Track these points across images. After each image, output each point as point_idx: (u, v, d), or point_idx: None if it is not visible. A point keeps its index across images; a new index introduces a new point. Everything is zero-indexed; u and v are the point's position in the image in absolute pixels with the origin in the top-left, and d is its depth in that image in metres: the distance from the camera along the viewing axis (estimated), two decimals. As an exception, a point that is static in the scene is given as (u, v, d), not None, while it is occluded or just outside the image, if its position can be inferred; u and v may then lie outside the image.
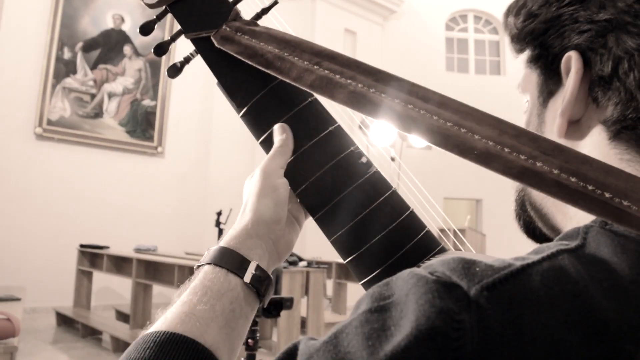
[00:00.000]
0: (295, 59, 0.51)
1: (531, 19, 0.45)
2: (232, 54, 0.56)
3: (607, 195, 0.33)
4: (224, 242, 0.52)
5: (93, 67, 7.22)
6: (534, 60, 0.46)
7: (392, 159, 5.97)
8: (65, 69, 6.96)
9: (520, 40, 0.47)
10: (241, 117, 0.59)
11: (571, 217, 0.42)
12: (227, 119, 6.83)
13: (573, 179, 0.34)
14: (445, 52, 9.84)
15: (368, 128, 6.12)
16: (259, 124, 0.58)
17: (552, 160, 0.35)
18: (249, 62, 0.55)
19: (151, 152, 7.61)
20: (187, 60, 0.62)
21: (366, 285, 0.51)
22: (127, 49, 7.49)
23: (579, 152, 0.36)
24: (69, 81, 6.98)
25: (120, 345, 4.55)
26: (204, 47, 0.59)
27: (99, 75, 7.26)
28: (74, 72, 7.04)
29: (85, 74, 7.15)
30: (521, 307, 0.29)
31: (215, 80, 0.59)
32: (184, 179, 7.56)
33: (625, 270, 0.31)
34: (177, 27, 0.62)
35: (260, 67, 0.54)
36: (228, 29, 0.57)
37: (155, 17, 0.61)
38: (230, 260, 0.50)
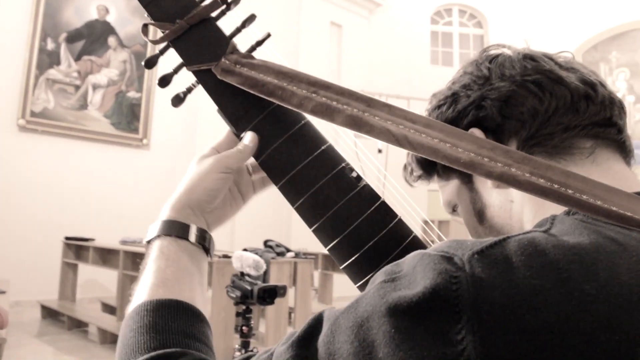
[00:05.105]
0: (295, 88, 0.57)
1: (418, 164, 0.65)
2: (234, 84, 0.60)
3: (570, 191, 0.43)
4: (164, 215, 0.62)
5: (77, 58, 7.13)
6: (445, 175, 0.63)
7: (380, 151, 6.03)
8: (48, 60, 6.86)
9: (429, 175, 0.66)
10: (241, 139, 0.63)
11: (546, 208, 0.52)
12: (213, 111, 6.76)
13: (542, 180, 0.44)
14: (430, 45, 9.91)
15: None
16: (258, 146, 0.62)
17: (523, 166, 0.45)
18: (251, 92, 0.59)
19: (136, 144, 7.57)
20: (189, 90, 0.66)
21: (361, 288, 0.56)
22: (111, 41, 7.41)
23: (543, 160, 0.46)
24: (53, 72, 6.90)
25: (107, 336, 4.56)
26: (204, 78, 0.64)
27: (83, 67, 7.18)
28: (58, 63, 6.96)
29: (69, 65, 7.07)
30: (503, 263, 0.37)
31: (216, 107, 0.63)
32: (169, 171, 7.52)
33: (585, 239, 0.40)
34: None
35: (262, 96, 0.58)
36: (227, 62, 0.61)
37: (158, 52, 0.65)
38: (175, 229, 0.60)
